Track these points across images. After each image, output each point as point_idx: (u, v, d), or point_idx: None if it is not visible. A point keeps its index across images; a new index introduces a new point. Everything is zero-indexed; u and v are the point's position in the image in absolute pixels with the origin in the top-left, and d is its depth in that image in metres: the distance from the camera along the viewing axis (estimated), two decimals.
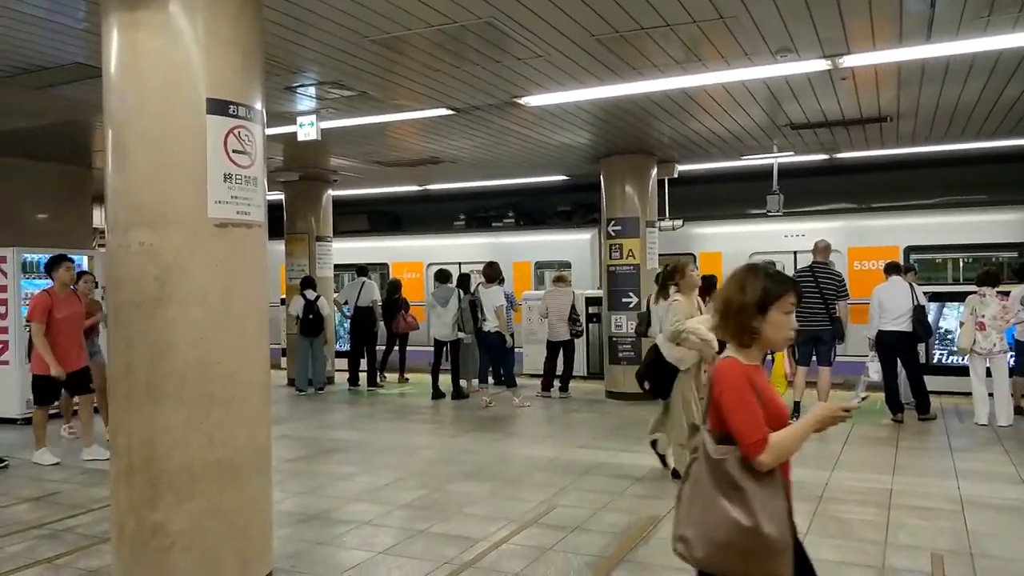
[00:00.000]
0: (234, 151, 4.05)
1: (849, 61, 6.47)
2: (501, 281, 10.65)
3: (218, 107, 4.00)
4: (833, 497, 5.73)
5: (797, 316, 8.85)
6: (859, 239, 12.02)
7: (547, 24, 5.58)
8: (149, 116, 3.93)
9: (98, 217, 13.08)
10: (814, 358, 8.51)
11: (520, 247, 14.42)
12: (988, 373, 8.36)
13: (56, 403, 7.62)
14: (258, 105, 4.23)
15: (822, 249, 8.80)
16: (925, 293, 9.35)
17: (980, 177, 12.27)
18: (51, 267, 7.33)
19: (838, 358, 8.79)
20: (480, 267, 14.22)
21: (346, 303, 12.35)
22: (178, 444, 3.84)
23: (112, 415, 4.01)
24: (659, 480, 6.33)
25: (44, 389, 7.16)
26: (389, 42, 5.96)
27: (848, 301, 8.59)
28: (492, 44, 6.01)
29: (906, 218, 11.98)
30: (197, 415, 3.87)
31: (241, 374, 4.03)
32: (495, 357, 10.59)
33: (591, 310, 12.56)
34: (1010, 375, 8.57)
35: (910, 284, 8.87)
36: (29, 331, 7.78)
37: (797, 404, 8.53)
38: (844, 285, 8.54)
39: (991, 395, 8.34)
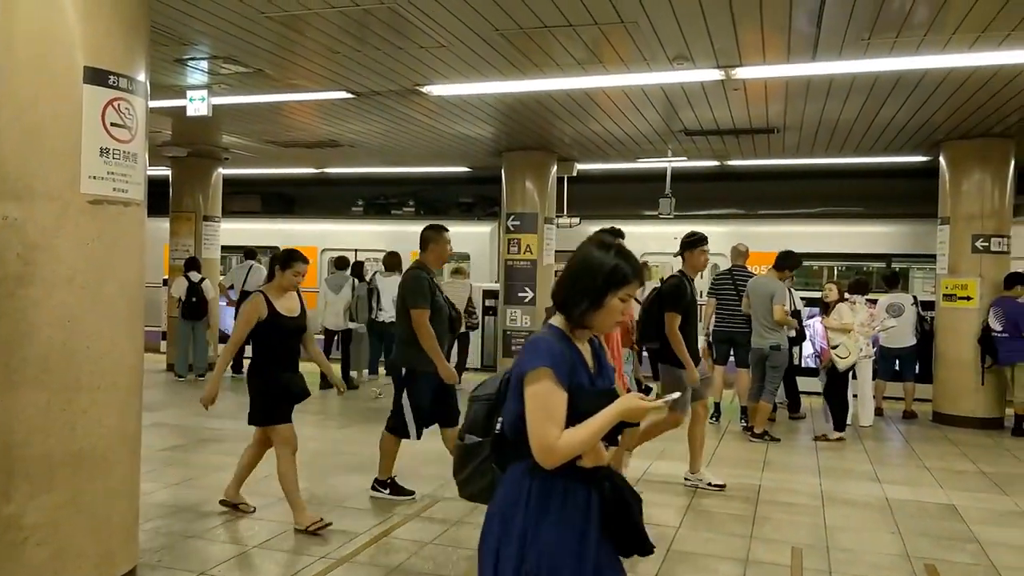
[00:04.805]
0: (113, 124, 3.84)
1: (741, 73, 6.73)
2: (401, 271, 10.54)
3: (97, 77, 3.78)
4: (706, 492, 5.97)
5: (716, 317, 8.73)
6: (744, 244, 12.54)
7: (450, 14, 5.55)
8: (19, 81, 3.66)
9: None
10: (731, 359, 8.74)
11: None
12: (853, 376, 8.88)
13: None
14: (141, 77, 4.02)
15: (741, 253, 9.10)
16: (801, 298, 9.85)
17: (856, 190, 13.03)
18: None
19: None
20: (377, 255, 14.07)
21: (231, 287, 11.91)
22: (37, 432, 3.61)
23: None
24: None
25: None
26: (287, 20, 5.78)
27: None
28: (394, 30, 5.92)
29: (789, 226, 12.58)
30: (59, 401, 3.65)
31: (110, 359, 3.82)
32: (390, 347, 10.47)
33: (487, 303, 12.60)
34: (873, 378, 9.16)
35: (789, 290, 9.32)
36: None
37: (717, 405, 8.83)
38: None
39: (855, 396, 8.87)
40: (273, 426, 4.90)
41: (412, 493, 5.68)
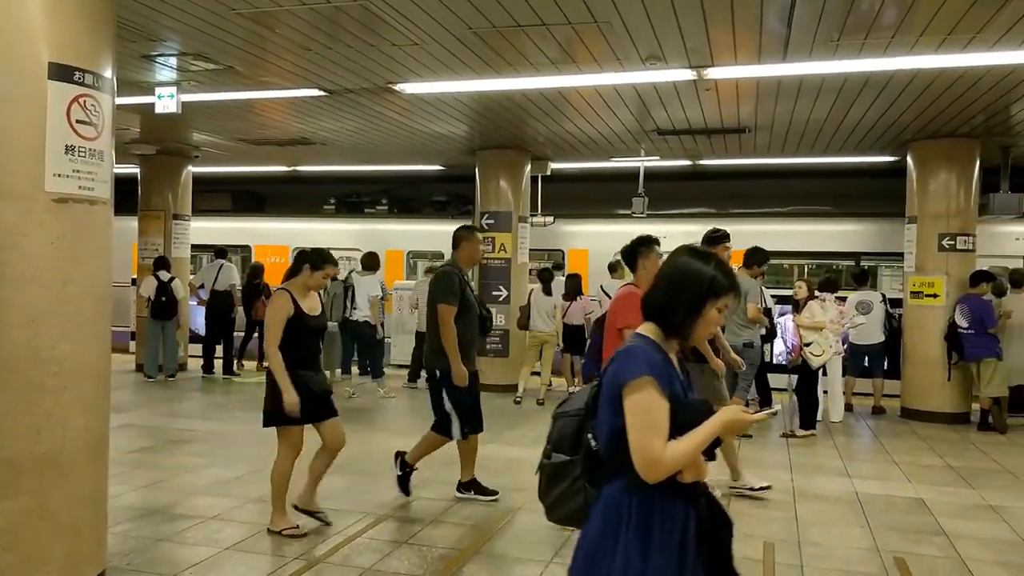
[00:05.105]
0: (78, 121, 3.77)
1: (713, 73, 6.78)
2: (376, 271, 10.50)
3: (62, 73, 3.71)
4: None
5: None
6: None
7: (423, 12, 5.52)
8: None
9: None
10: None
11: (393, 235, 14.22)
12: (823, 372, 9.00)
13: None
14: (107, 73, 3.96)
15: None
16: (772, 296, 9.96)
17: (826, 190, 13.18)
18: None
19: None
20: (350, 254, 13.98)
21: (202, 286, 11.77)
22: (1, 435, 3.53)
23: None
24: (516, 471, 6.42)
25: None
26: (258, 16, 5.71)
27: None
28: (367, 27, 5.88)
29: (760, 224, 12.68)
30: (23, 404, 3.57)
31: (76, 360, 3.76)
32: (363, 347, 10.41)
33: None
34: (842, 375, 9.29)
35: (760, 288, 9.41)
36: None
37: None
38: None
39: (825, 392, 8.98)
40: (282, 427, 4.77)
41: (409, 494, 5.64)
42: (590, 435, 2.15)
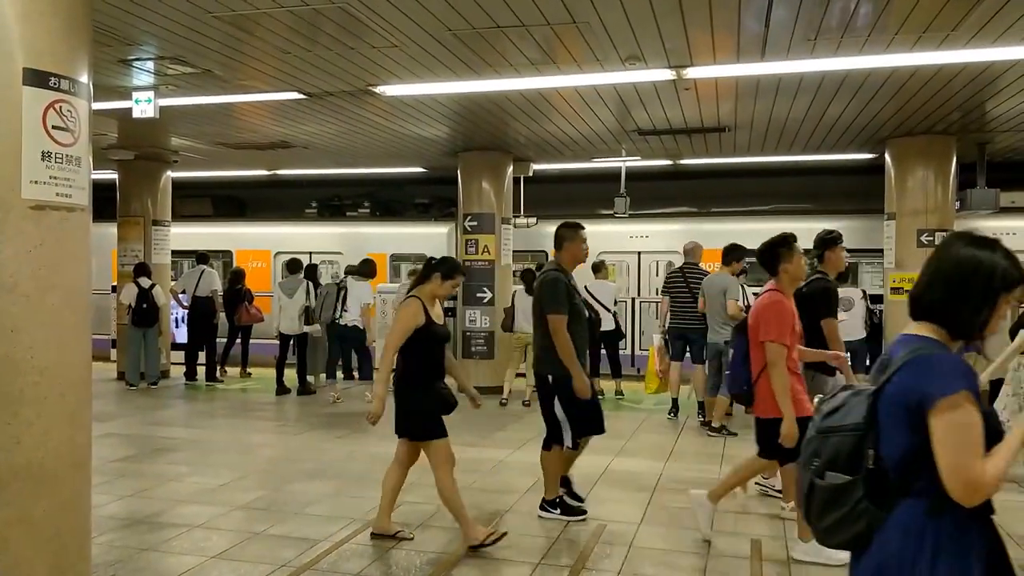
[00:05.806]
0: (54, 127, 3.72)
1: (692, 73, 6.82)
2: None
3: (36, 78, 3.65)
4: (666, 487, 6.02)
5: (671, 314, 8.24)
6: (694, 241, 12.71)
7: (403, 14, 5.51)
8: None
9: None
10: (688, 355, 8.76)
11: (375, 238, 14.18)
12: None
13: None
14: (84, 78, 3.91)
15: (691, 250, 9.19)
16: (754, 294, 10.01)
17: (806, 187, 13.29)
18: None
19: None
20: (332, 258, 13.94)
21: (183, 292, 11.68)
22: None
23: None
24: (503, 473, 6.42)
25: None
26: (235, 20, 5.68)
27: None
28: (345, 30, 5.86)
29: (741, 223, 12.78)
30: (4, 415, 3.52)
31: (57, 369, 3.70)
32: (348, 350, 10.38)
33: (446, 304, 12.54)
34: None
35: (741, 286, 9.47)
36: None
37: (675, 400, 8.88)
38: None
39: None
40: (430, 441, 4.64)
41: (583, 499, 5.30)
42: (871, 451, 1.96)
